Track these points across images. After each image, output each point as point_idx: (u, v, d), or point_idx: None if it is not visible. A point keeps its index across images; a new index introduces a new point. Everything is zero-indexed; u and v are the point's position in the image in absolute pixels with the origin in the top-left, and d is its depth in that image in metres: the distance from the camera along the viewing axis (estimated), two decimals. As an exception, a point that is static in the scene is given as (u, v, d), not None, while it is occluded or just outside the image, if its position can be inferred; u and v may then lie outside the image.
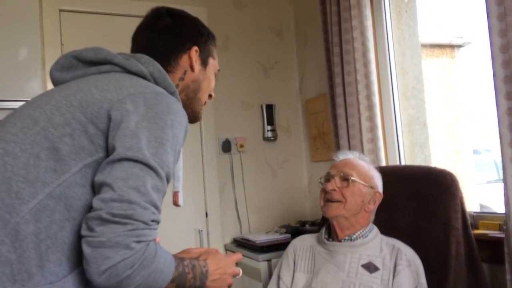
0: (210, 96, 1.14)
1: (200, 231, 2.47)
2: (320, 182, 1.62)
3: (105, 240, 0.74)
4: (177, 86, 1.04)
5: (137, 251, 0.76)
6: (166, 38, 1.05)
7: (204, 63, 1.09)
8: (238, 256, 1.07)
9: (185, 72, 1.06)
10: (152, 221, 0.79)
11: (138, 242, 0.76)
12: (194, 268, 0.92)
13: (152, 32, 1.06)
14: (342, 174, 1.53)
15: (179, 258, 0.90)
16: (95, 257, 0.74)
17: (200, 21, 1.12)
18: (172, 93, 0.96)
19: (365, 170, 1.55)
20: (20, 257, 0.78)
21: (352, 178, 1.51)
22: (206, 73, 1.09)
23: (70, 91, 0.89)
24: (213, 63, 1.12)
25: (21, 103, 0.96)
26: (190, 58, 1.05)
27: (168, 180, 0.85)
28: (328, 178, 1.57)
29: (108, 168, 0.79)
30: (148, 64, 0.97)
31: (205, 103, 1.13)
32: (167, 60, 1.04)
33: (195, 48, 1.06)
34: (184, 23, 1.08)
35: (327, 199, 1.53)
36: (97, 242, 0.74)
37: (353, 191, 1.50)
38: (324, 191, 1.56)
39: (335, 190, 1.51)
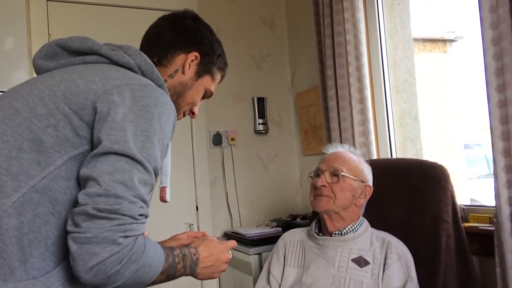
0: (193, 113, 1.11)
1: (190, 225, 2.46)
2: (310, 177, 1.58)
3: (92, 236, 0.72)
4: (165, 81, 1.01)
5: (125, 246, 0.74)
6: (176, 32, 1.05)
7: (198, 73, 1.06)
8: (232, 243, 1.06)
9: (176, 71, 1.04)
10: (140, 215, 0.78)
11: (126, 237, 0.75)
12: (185, 257, 0.91)
13: (168, 22, 1.07)
14: (332, 169, 1.50)
15: (169, 248, 0.89)
16: (81, 253, 0.72)
17: (219, 44, 1.11)
18: (160, 86, 0.94)
19: (355, 164, 1.53)
20: (1, 251, 0.76)
21: (342, 173, 1.48)
22: (195, 83, 1.06)
23: (54, 81, 0.87)
24: (208, 81, 1.09)
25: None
26: (185, 59, 1.04)
27: (156, 174, 0.83)
28: (318, 173, 1.54)
29: (93, 162, 0.77)
30: (135, 55, 0.95)
31: (184, 115, 1.10)
32: (166, 52, 1.03)
33: (196, 54, 1.04)
34: (201, 31, 1.07)
35: (317, 194, 1.51)
36: (84, 238, 0.73)
37: (343, 187, 1.47)
38: (314, 187, 1.53)
39: (324, 186, 1.48)
